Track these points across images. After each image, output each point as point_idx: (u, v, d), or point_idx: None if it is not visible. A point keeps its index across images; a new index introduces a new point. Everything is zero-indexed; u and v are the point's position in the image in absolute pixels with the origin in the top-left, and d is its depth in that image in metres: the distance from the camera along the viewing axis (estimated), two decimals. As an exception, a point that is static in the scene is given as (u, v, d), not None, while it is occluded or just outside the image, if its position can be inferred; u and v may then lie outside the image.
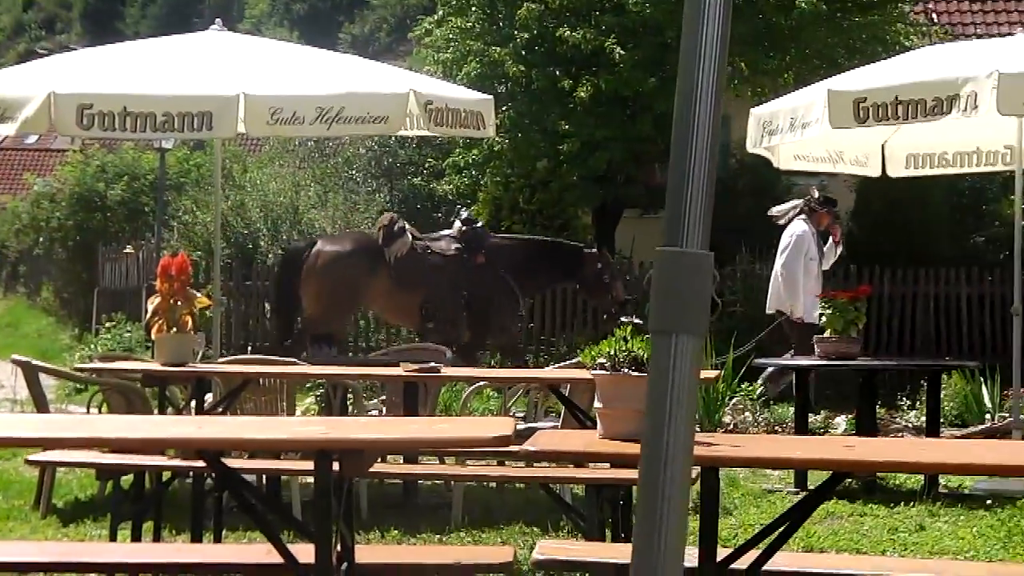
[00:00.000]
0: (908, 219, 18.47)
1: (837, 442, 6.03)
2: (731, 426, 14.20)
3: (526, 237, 15.86)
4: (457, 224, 14.66)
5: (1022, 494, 9.95)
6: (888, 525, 9.60)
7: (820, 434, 13.80)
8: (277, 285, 14.75)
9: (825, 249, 14.36)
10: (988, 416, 14.08)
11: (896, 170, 12.49)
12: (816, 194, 14.45)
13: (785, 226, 14.31)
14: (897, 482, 11.33)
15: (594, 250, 15.03)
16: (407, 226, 14.29)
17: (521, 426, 10.04)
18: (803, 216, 14.17)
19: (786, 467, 9.64)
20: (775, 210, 14.53)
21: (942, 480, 11.10)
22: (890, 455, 4.42)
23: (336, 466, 4.83)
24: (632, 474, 5.63)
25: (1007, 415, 12.99)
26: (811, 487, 10.97)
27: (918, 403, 14.69)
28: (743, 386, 14.67)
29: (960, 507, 10.16)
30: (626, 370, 4.55)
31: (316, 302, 14.08)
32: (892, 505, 10.29)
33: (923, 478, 10.76)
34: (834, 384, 15.37)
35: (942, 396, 14.59)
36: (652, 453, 2.16)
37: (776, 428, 14.04)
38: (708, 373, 8.68)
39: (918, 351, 17.90)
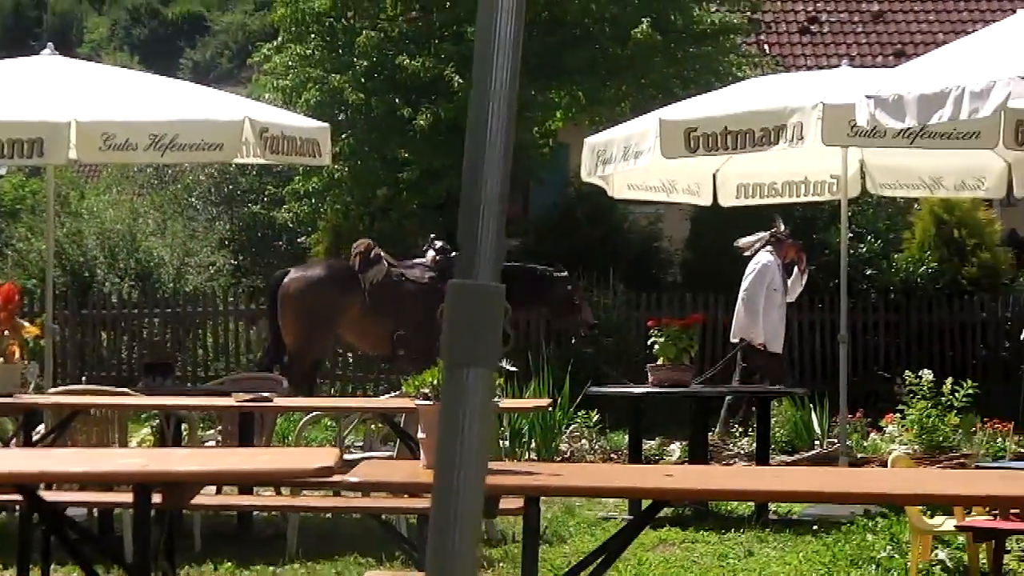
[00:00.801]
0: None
1: (658, 471, 6.10)
2: (568, 454, 14.26)
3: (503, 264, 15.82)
4: (431, 252, 14.71)
5: (848, 519, 10.13)
6: (718, 551, 9.71)
7: (655, 461, 13.92)
8: (269, 314, 14.82)
9: (791, 280, 14.56)
10: (817, 442, 14.30)
11: (727, 199, 12.68)
12: (782, 226, 14.57)
13: (751, 257, 14.47)
14: (728, 508, 11.46)
15: (564, 273, 15.12)
16: (383, 253, 14.32)
17: (356, 456, 10.04)
18: (769, 247, 14.31)
19: (603, 495, 9.71)
20: (741, 242, 14.63)
21: (772, 506, 11.27)
22: (706, 483, 4.48)
23: (159, 498, 4.78)
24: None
25: (836, 441, 13.22)
26: (645, 513, 11.09)
27: (750, 430, 14.89)
28: (580, 414, 14.75)
29: (788, 533, 10.31)
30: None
31: (292, 329, 14.12)
32: (723, 531, 10.40)
33: (754, 504, 10.92)
34: (669, 411, 15.53)
35: (773, 422, 14.85)
36: (443, 486, 2.18)
37: (612, 456, 14.13)
38: (540, 401, 8.74)
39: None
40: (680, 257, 20.64)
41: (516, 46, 2.39)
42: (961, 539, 8.54)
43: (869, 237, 19.39)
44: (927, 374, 13.80)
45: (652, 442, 14.60)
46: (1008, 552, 8.84)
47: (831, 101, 9.79)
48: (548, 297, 14.95)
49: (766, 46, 23.98)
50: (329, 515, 10.43)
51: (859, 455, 13.43)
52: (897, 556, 8.91)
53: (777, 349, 14.43)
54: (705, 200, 12.78)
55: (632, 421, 11.94)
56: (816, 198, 12.71)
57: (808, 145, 10.08)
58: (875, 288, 18.87)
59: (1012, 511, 8.21)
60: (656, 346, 11.43)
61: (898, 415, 14.20)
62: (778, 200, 12.93)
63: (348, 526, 10.55)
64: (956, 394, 13.61)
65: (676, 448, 14.47)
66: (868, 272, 19.03)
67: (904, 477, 7.34)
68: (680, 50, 19.18)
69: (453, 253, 14.38)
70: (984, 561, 8.26)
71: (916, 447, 13.64)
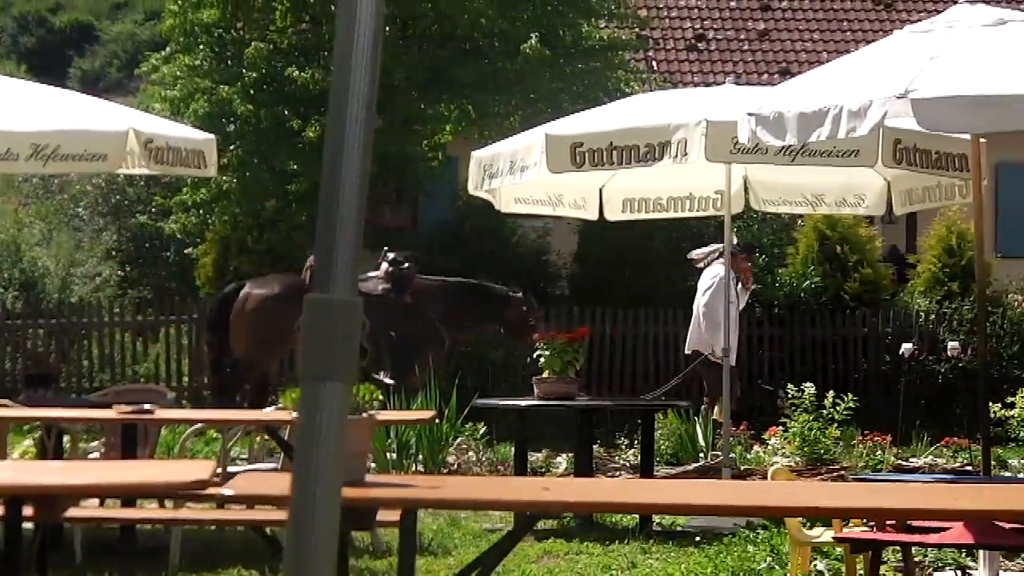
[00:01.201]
0: (629, 261, 18.90)
1: (535, 483, 6.14)
2: (455, 466, 14.28)
3: (454, 279, 15.95)
4: (384, 265, 14.86)
5: (731, 531, 10.24)
6: (602, 563, 9.76)
7: (542, 473, 13.98)
8: (210, 329, 14.81)
9: (738, 291, 14.56)
10: (702, 455, 14.44)
11: (613, 214, 12.77)
12: (735, 239, 14.59)
13: (703, 269, 14.55)
14: (613, 520, 11.53)
15: (519, 294, 15.37)
16: None
17: (240, 468, 9.99)
18: (720, 259, 14.14)
19: (478, 508, 9.74)
20: (695, 253, 14.73)
21: (656, 518, 11.37)
22: (582, 496, 4.52)
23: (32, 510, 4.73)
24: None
25: (720, 453, 13.37)
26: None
27: (636, 442, 15.01)
28: (467, 426, 14.78)
29: (672, 544, 10.39)
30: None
31: (246, 344, 14.20)
32: (607, 543, 10.46)
33: (638, 517, 11.01)
34: (556, 423, 15.61)
35: (659, 435, 14.97)
36: (300, 496, 2.19)
37: (499, 468, 14.17)
38: (423, 413, 8.74)
39: (638, 390, 18.28)
40: (568, 271, 20.75)
41: (373, 64, 2.41)
42: (839, 550, 8.66)
43: (756, 251, 19.59)
44: (809, 388, 14.03)
45: (539, 454, 14.66)
46: (884, 563, 9.00)
47: (714, 118, 9.92)
48: (504, 316, 15.20)
49: (654, 62, 24.18)
50: (213, 527, 10.35)
51: (743, 467, 13.59)
52: (777, 567, 9.02)
53: (731, 361, 14.55)
54: (591, 214, 12.86)
55: (517, 433, 11.98)
56: (701, 213, 12.85)
57: (692, 161, 10.20)
58: (760, 303, 19.07)
59: (888, 522, 8.36)
60: (542, 359, 11.49)
61: (781, 428, 14.41)
62: (664, 215, 13.05)
63: (232, 539, 10.49)
64: (837, 407, 13.85)
65: (563, 460, 14.54)
66: (753, 286, 19.21)
67: (783, 489, 7.44)
68: (569, 65, 19.30)
69: (406, 265, 14.79)
70: (861, 572, 8.38)
71: (798, 459, 13.84)
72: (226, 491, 4.40)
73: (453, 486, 5.47)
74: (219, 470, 8.82)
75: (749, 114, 7.94)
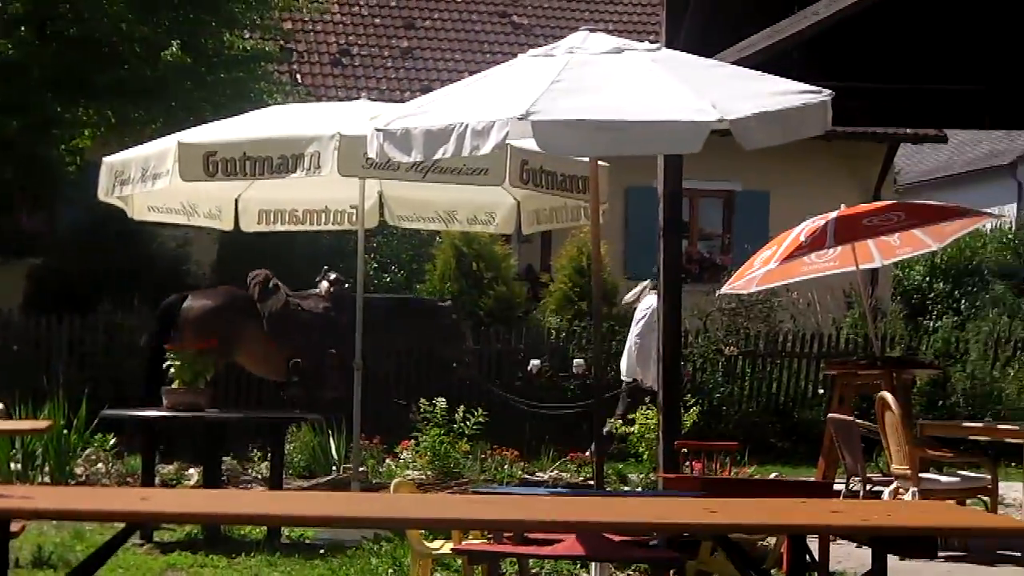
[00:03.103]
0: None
1: (134, 494, 6.08)
2: (83, 477, 13.96)
3: (385, 296, 16.14)
4: (324, 284, 15.02)
5: (354, 543, 10.29)
6: (226, 576, 9.71)
7: (172, 485, 13.80)
8: (152, 339, 14.41)
9: None
10: (335, 468, 14.49)
11: (249, 225, 12.68)
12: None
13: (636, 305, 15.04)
14: (242, 533, 11.48)
15: (448, 303, 15.85)
16: (280, 283, 14.60)
17: None
18: (654, 292, 14.50)
19: (74, 519, 9.53)
20: (627, 298, 15.51)
21: (285, 531, 11.35)
22: (182, 507, 4.49)
23: None
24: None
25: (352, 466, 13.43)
26: (156, 539, 10.99)
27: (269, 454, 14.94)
28: (96, 437, 14.45)
29: (298, 557, 10.40)
30: None
31: None
32: (234, 556, 10.40)
33: (267, 529, 10.98)
34: (188, 435, 15.41)
35: (293, 448, 14.97)
36: None
37: (128, 479, 13.91)
38: (37, 424, 8.52)
39: (276, 403, 18.17)
40: (208, 281, 20.48)
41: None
42: (460, 562, 8.81)
43: (393, 267, 19.80)
44: (441, 402, 14.22)
45: (171, 466, 14.47)
46: (503, 574, 9.20)
47: (348, 132, 9.98)
48: (434, 326, 15.42)
49: (298, 75, 24.13)
50: None
51: (375, 480, 13.67)
52: (399, 579, 9.14)
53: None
54: (227, 225, 12.74)
55: (146, 445, 11.76)
56: (336, 227, 12.89)
57: (326, 175, 10.23)
58: (398, 317, 19.23)
59: (506, 534, 8.55)
60: (172, 369, 11.34)
61: (413, 441, 14.56)
62: (300, 228, 13.03)
63: None
64: (468, 422, 14.07)
65: (194, 472, 14.37)
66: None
67: (404, 502, 7.54)
68: (211, 74, 19.06)
69: (346, 284, 14.88)
70: (480, 583, 8.56)
71: (429, 472, 14.02)
72: None
73: (49, 496, 5.36)
74: None
75: (377, 130, 8.01)
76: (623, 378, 15.55)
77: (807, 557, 6.88)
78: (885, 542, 5.62)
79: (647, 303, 14.80)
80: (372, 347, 14.75)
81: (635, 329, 14.89)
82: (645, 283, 15.33)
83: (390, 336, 15.13)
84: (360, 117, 10.01)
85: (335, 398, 14.34)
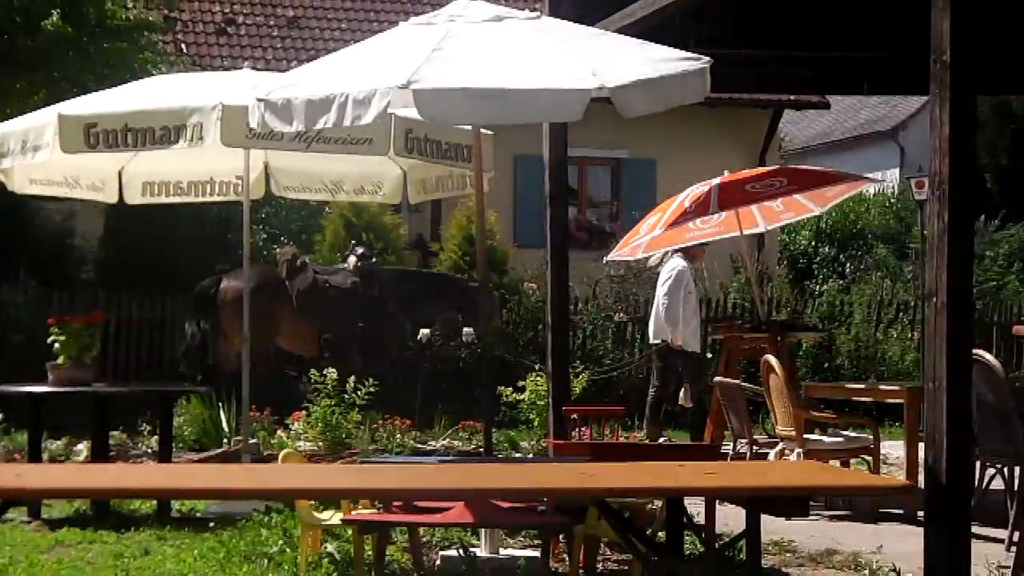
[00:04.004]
0: (156, 246, 18.64)
1: (9, 470, 6.02)
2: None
3: (413, 270, 16.81)
4: (352, 259, 15.67)
5: (244, 515, 10.27)
6: (115, 551, 9.63)
7: (61, 460, 13.68)
8: (193, 326, 15.52)
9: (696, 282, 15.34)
10: (226, 440, 14.43)
11: (133, 197, 12.55)
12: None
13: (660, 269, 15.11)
14: (132, 508, 11.41)
15: (477, 283, 15.51)
16: (308, 261, 15.25)
17: None
18: (679, 253, 14.79)
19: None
20: (652, 261, 15.38)
21: (176, 504, 11.30)
22: (57, 482, 4.47)
23: None
24: None
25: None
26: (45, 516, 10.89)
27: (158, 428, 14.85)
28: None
29: (187, 530, 10.35)
30: None
31: (229, 336, 15.07)
32: (123, 531, 10.34)
33: (157, 503, 10.93)
34: (77, 410, 15.28)
35: (183, 421, 14.90)
36: None
37: (15, 456, 13.76)
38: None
39: (167, 376, 18.07)
40: (95, 255, 20.29)
41: None
42: (350, 532, 8.82)
43: (283, 238, 19.70)
44: (331, 373, 14.20)
45: (59, 442, 14.35)
46: (394, 543, 9.23)
47: (230, 102, 9.92)
48: (463, 304, 16.19)
49: (183, 45, 23.88)
50: None
51: (267, 452, 13.63)
52: (289, 550, 9.11)
53: (695, 348, 15.19)
54: (111, 197, 12.60)
55: (32, 420, 11.65)
56: (222, 198, 12.78)
57: (208, 145, 10.17)
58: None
59: (395, 503, 8.58)
60: (57, 344, 11.23)
61: (304, 413, 14.53)
62: (185, 199, 12.92)
63: None
64: (359, 392, 14.06)
65: (83, 447, 14.25)
66: (282, 273, 19.32)
67: (290, 472, 7.55)
68: (94, 44, 18.78)
69: (373, 259, 15.52)
70: (371, 552, 8.57)
71: (321, 444, 14.00)
72: None
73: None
74: None
75: (259, 99, 7.97)
76: (652, 341, 15.71)
77: (684, 518, 6.99)
78: (759, 502, 5.72)
79: (672, 264, 14.93)
80: (399, 324, 15.26)
81: (661, 290, 14.98)
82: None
83: (418, 312, 15.49)
84: (243, 87, 9.94)
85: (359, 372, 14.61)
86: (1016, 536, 8.33)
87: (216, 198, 12.75)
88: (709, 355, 17.97)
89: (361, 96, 7.49)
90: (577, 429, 10.91)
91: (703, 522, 9.06)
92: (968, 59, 6.64)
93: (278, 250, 19.26)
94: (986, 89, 15.95)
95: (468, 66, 7.66)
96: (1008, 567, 7.90)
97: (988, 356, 9.93)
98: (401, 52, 7.94)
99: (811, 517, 11.25)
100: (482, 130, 9.47)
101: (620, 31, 9.49)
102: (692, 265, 15.33)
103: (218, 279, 15.75)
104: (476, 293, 15.88)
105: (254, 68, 14.28)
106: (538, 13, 8.98)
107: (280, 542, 9.31)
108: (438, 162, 10.88)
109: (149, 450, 14.35)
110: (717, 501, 8.88)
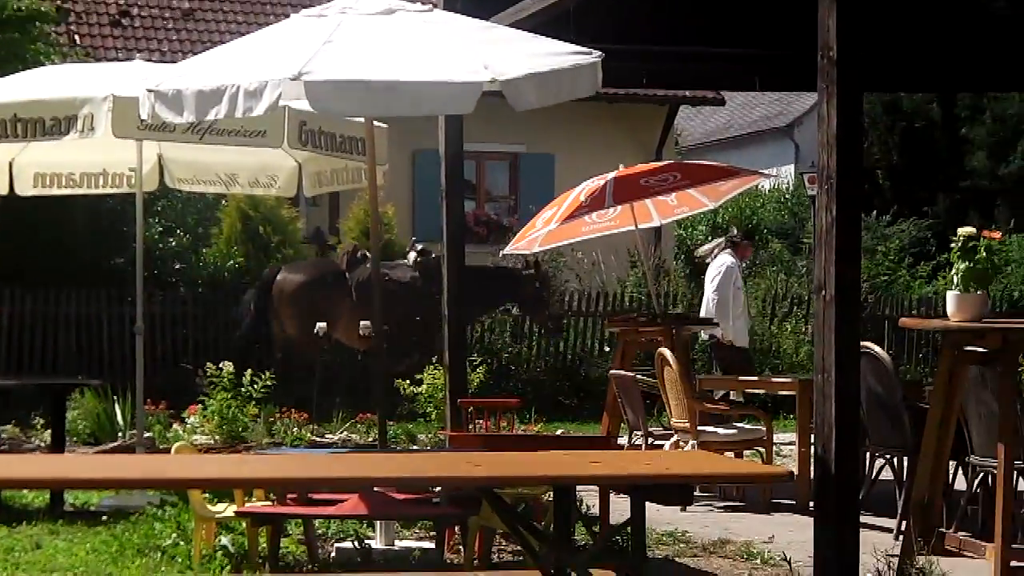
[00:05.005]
0: (47, 238, 18.43)
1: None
2: None
3: (472, 265, 16.27)
4: (412, 255, 16.27)
5: (138, 509, 10.21)
6: (5, 545, 9.55)
7: (-49, 455, 13.53)
8: (254, 301, 15.99)
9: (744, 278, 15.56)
10: (120, 434, 14.33)
11: (24, 188, 12.38)
12: (735, 231, 15.99)
13: (708, 262, 15.20)
14: (24, 501, 11.31)
15: (532, 271, 16.76)
16: (367, 253, 15.07)
17: None
18: (728, 250, 14.98)
19: None
20: (701, 251, 15.64)
21: (69, 498, 11.23)
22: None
23: None
24: None
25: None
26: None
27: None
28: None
29: (80, 523, 10.29)
30: None
31: (289, 327, 15.76)
32: (14, 524, 10.25)
33: (50, 496, 10.86)
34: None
35: (77, 414, 14.78)
36: None
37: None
38: None
39: (60, 370, 17.92)
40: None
41: None
42: (245, 525, 8.80)
43: (179, 231, 19.57)
44: (228, 366, 14.11)
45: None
46: (288, 536, 9.22)
47: (122, 93, 9.84)
48: (521, 294, 16.75)
49: (76, 36, 23.62)
50: None
51: (163, 446, 13.55)
52: (182, 543, 9.09)
53: (744, 344, 15.27)
54: (1, 188, 12.45)
55: None
56: (115, 190, 12.63)
57: (100, 136, 10.08)
58: (183, 282, 19.08)
59: (289, 496, 8.57)
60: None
61: (200, 406, 14.44)
62: (78, 191, 12.76)
63: None
64: (256, 385, 14.00)
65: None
66: (177, 266, 19.23)
67: (181, 463, 7.50)
68: (-16, 35, 18.57)
69: (433, 255, 15.61)
70: (264, 545, 8.56)
71: (217, 437, 13.91)
72: None
73: None
74: None
75: (149, 90, 7.94)
76: (702, 337, 15.77)
77: (573, 507, 7.05)
78: (641, 489, 5.80)
79: (721, 260, 14.99)
80: (471, 316, 15.74)
81: (711, 286, 15.03)
82: (720, 240, 15.60)
83: (473, 303, 15.60)
84: (135, 78, 9.86)
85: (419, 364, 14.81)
86: (904, 525, 8.47)
87: (110, 190, 12.61)
88: (607, 348, 18.12)
89: (253, 87, 7.48)
90: (474, 422, 10.96)
91: (599, 513, 9.15)
92: (855, 55, 6.75)
93: (172, 242, 19.16)
94: (876, 86, 16.24)
95: (360, 58, 7.67)
96: (896, 556, 8.04)
97: (877, 348, 10.12)
98: (293, 43, 7.94)
99: (705, 509, 11.42)
100: (376, 123, 9.48)
101: (514, 26, 9.53)
102: (740, 262, 15.48)
103: (277, 269, 16.34)
104: (530, 280, 16.84)
105: (149, 60, 14.18)
106: (431, 6, 9.01)
107: (174, 535, 9.28)
108: (333, 155, 10.86)
109: (42, 444, 14.23)
110: (612, 492, 8.96)
